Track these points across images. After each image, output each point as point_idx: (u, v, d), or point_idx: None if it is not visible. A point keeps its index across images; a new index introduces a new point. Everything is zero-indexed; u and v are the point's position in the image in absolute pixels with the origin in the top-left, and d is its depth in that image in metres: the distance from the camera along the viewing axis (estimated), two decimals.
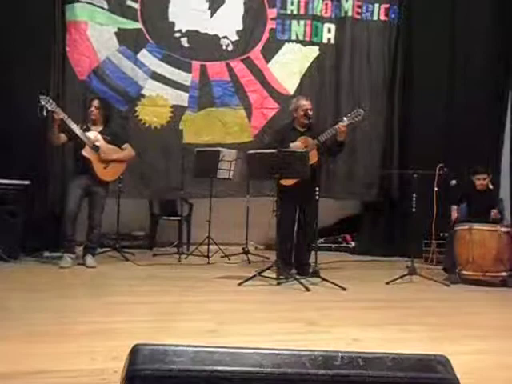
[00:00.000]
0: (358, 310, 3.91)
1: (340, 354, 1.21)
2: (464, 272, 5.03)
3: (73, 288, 4.38)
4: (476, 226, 5.02)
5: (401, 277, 4.91)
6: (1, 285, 4.33)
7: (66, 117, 4.99)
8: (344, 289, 4.44)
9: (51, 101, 4.89)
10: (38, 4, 5.86)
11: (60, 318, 3.33)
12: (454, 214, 5.45)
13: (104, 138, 5.29)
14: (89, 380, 2.28)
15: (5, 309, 3.49)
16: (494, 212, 5.17)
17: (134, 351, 1.11)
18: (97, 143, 5.21)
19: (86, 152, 5.15)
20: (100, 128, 5.36)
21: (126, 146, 5.48)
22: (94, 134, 5.25)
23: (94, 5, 6.34)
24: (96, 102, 5.38)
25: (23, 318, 3.28)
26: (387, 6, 6.92)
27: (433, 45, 6.67)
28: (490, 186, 5.62)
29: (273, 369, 1.12)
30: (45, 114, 4.84)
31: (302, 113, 5.03)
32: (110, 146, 5.32)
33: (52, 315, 3.41)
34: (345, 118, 4.90)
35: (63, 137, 5.13)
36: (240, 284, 4.47)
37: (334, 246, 7.05)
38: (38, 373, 2.35)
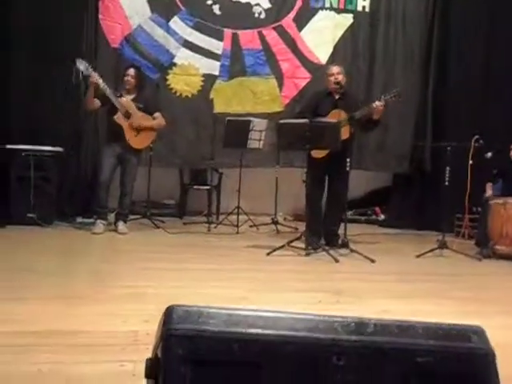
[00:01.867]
0: (386, 282, 3.90)
1: (373, 321, 1.21)
2: (497, 246, 4.95)
3: (105, 253, 4.48)
4: (511, 200, 4.91)
5: (431, 250, 4.86)
6: (36, 249, 4.45)
7: (102, 81, 5.02)
8: (373, 261, 4.42)
9: (87, 65, 4.93)
10: None
11: (93, 282, 3.41)
12: (489, 191, 5.31)
13: (136, 106, 5.31)
14: (122, 341, 2.33)
15: (41, 271, 3.59)
16: None
17: (169, 311, 1.13)
18: (129, 110, 5.23)
19: (119, 118, 5.19)
20: (133, 96, 5.39)
21: (157, 114, 5.49)
22: (126, 101, 5.27)
23: None
24: (132, 71, 5.39)
25: (58, 281, 3.38)
26: None
27: (471, 13, 6.44)
28: None
29: (306, 333, 1.13)
30: (81, 77, 4.86)
31: (330, 78, 4.95)
32: (142, 114, 5.35)
33: (85, 278, 3.49)
34: (382, 97, 4.78)
35: (97, 102, 5.16)
36: (269, 254, 4.49)
37: (363, 218, 7.01)
38: (72, 333, 2.42)
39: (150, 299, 3.06)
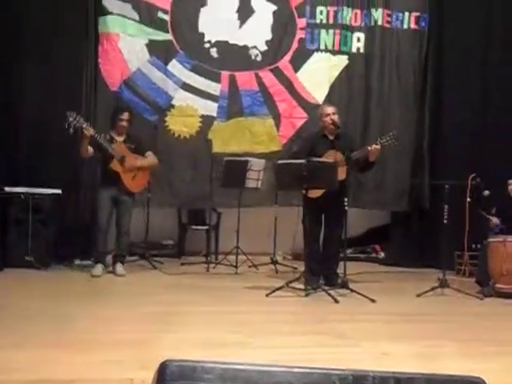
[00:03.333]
0: (387, 323, 3.85)
1: (371, 374, 1.19)
2: (498, 285, 4.90)
3: (103, 297, 4.43)
4: (510, 238, 4.90)
5: (432, 289, 4.81)
6: (33, 293, 4.42)
7: (94, 132, 5.05)
8: (373, 300, 4.38)
9: (78, 117, 4.96)
10: (71, 16, 5.99)
11: (90, 327, 3.37)
12: (494, 220, 5.27)
13: (128, 147, 5.36)
14: None
15: (38, 317, 3.55)
16: None
17: (163, 367, 1.11)
18: (124, 154, 5.27)
19: (115, 165, 5.21)
20: (124, 137, 5.43)
21: (148, 153, 5.53)
22: (119, 146, 5.30)
23: (126, 17, 6.45)
24: (126, 115, 5.43)
25: (56, 326, 3.33)
26: (417, 14, 6.85)
27: (464, 53, 6.56)
28: None
29: None
30: (71, 130, 4.89)
31: (327, 119, 5.00)
32: (135, 156, 5.39)
33: (82, 323, 3.45)
34: (379, 140, 4.83)
35: (91, 150, 5.18)
36: (268, 295, 4.45)
37: (363, 256, 6.97)
38: (68, 382, 2.38)
39: (147, 345, 3.02)
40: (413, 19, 6.88)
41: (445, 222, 4.97)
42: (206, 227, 6.44)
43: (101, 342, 3.07)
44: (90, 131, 5.01)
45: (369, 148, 4.79)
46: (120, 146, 5.32)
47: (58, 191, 5.51)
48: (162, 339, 3.18)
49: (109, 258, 5.44)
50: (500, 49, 6.47)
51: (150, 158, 5.53)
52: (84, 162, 5.54)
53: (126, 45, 6.44)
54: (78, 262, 5.71)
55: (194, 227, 6.63)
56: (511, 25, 6.43)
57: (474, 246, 5.69)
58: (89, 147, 5.13)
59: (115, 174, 5.22)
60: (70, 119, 4.89)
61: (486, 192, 4.95)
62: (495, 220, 5.23)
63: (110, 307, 4.00)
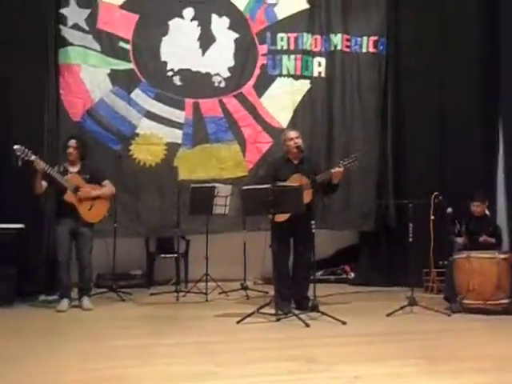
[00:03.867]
0: (358, 344, 3.85)
1: None
2: (465, 301, 4.98)
3: (69, 333, 4.31)
4: (474, 254, 4.99)
5: (401, 308, 4.86)
6: None
7: (46, 166, 4.94)
8: (344, 323, 4.39)
9: (26, 151, 4.83)
10: (31, 48, 5.92)
11: (56, 366, 3.26)
12: (460, 240, 5.35)
13: (83, 178, 5.24)
14: None
15: (1, 359, 3.43)
16: (483, 238, 5.16)
17: None
18: (78, 185, 5.15)
19: (69, 197, 5.10)
20: (77, 167, 5.31)
21: (106, 182, 5.42)
22: (73, 177, 5.18)
23: (87, 47, 6.45)
24: (73, 142, 5.28)
25: (19, 367, 3.22)
26: (375, 38, 7.04)
27: (422, 74, 6.75)
28: (487, 213, 5.62)
29: None
30: (20, 163, 4.78)
31: (290, 143, 5.05)
32: (90, 186, 5.25)
33: (48, 362, 3.35)
34: (341, 163, 4.90)
35: (44, 184, 5.03)
36: (239, 322, 4.41)
37: (333, 277, 6.99)
38: None
39: (115, 380, 2.95)
40: (371, 43, 7.07)
41: (410, 240, 5.05)
42: (174, 255, 6.36)
43: (66, 380, 2.98)
44: (40, 165, 4.89)
45: (332, 171, 4.85)
46: (74, 176, 5.19)
47: (21, 226, 5.38)
48: (130, 374, 3.10)
49: (75, 292, 5.31)
50: (455, 67, 6.69)
51: (107, 187, 5.41)
52: (46, 196, 5.41)
53: (88, 75, 6.42)
54: (42, 297, 5.54)
55: (162, 256, 6.55)
56: (465, 47, 6.66)
57: (440, 262, 5.79)
58: (43, 182, 4.99)
59: (70, 206, 5.11)
60: (18, 153, 4.77)
61: (449, 209, 5.06)
62: (461, 240, 5.32)
63: (76, 343, 3.88)
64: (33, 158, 4.87)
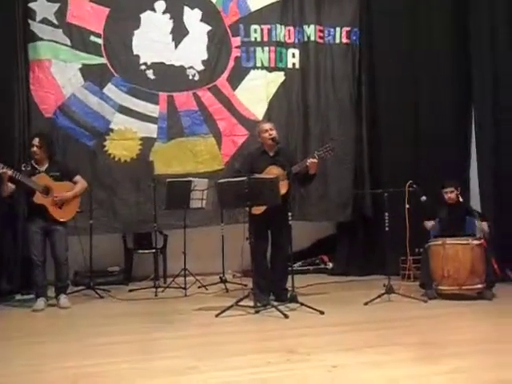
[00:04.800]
0: (336, 334, 3.89)
1: None
2: (440, 287, 5.06)
3: (47, 332, 4.26)
4: (449, 241, 5.07)
5: (378, 296, 4.91)
6: None
7: (12, 171, 4.78)
8: (322, 313, 4.42)
9: None
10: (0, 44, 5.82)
11: (34, 366, 3.22)
12: (430, 223, 5.47)
13: (52, 176, 5.11)
14: None
15: None
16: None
17: None
18: (47, 184, 5.03)
19: (38, 198, 4.98)
20: (45, 166, 5.16)
21: (77, 178, 5.29)
22: (41, 177, 5.04)
23: (57, 42, 6.34)
24: (36, 141, 5.11)
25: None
26: (348, 28, 7.07)
27: (395, 64, 6.80)
28: (460, 199, 5.70)
29: None
30: None
31: (265, 135, 5.04)
32: (60, 183, 5.14)
33: (25, 363, 3.30)
34: (316, 153, 4.90)
35: (11, 186, 4.87)
36: (217, 315, 4.41)
37: (312, 268, 7.04)
38: None
39: (97, 379, 2.93)
40: (344, 34, 7.09)
41: (386, 229, 5.10)
42: (152, 251, 6.34)
43: (47, 380, 2.95)
44: (7, 174, 4.72)
45: (307, 161, 4.86)
46: (42, 177, 5.05)
47: None
48: (109, 371, 3.08)
49: (52, 291, 5.25)
50: (427, 57, 6.75)
51: (79, 184, 5.27)
52: (15, 197, 5.28)
53: (59, 70, 6.32)
54: (19, 297, 5.49)
55: (140, 251, 6.52)
56: (438, 34, 6.73)
57: (416, 250, 5.86)
58: (9, 184, 4.84)
59: (41, 207, 5.00)
60: None
61: (424, 198, 5.11)
62: (431, 223, 5.42)
63: (53, 342, 3.84)
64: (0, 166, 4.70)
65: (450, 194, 5.47)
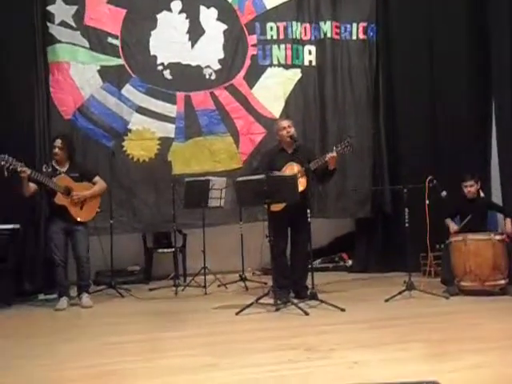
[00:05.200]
0: (357, 331, 3.86)
1: None
2: (462, 283, 5.00)
3: (69, 331, 4.30)
4: (470, 236, 5.00)
5: (399, 293, 4.87)
6: None
7: (30, 170, 4.84)
8: (343, 310, 4.40)
9: (11, 159, 4.70)
10: (19, 47, 5.89)
11: (53, 365, 3.26)
12: (453, 227, 5.37)
13: (72, 177, 5.18)
14: None
15: (1, 357, 3.43)
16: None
17: None
18: (68, 185, 5.10)
19: (59, 199, 5.05)
20: (66, 167, 5.24)
21: (96, 178, 5.37)
22: (62, 178, 5.12)
23: (76, 44, 6.43)
24: (58, 142, 5.20)
25: (20, 367, 3.23)
26: (365, 24, 7.03)
27: (412, 59, 6.75)
28: (482, 195, 5.63)
29: None
30: (6, 174, 4.66)
31: (283, 133, 5.03)
32: (81, 184, 5.21)
33: (48, 361, 3.35)
34: (334, 149, 4.87)
35: (33, 186, 4.96)
36: (237, 313, 4.42)
37: (331, 265, 7.03)
38: None
39: (120, 377, 2.96)
40: (361, 29, 7.06)
41: (406, 225, 5.06)
42: (172, 250, 6.38)
43: (69, 379, 2.98)
44: (26, 172, 4.79)
45: (326, 157, 4.84)
46: (63, 177, 5.13)
47: (17, 226, 5.36)
48: (130, 369, 3.11)
49: (74, 290, 5.31)
50: (446, 50, 6.67)
51: (98, 185, 5.35)
52: (42, 195, 5.38)
53: (78, 72, 6.41)
54: (42, 296, 5.57)
55: (160, 251, 6.57)
56: (456, 30, 6.64)
57: (437, 246, 5.80)
58: (30, 184, 4.93)
59: (61, 207, 5.07)
60: (2, 163, 4.65)
61: (444, 193, 5.05)
62: (453, 227, 5.33)
63: (75, 341, 3.89)
64: (18, 167, 4.76)
65: (470, 188, 5.39)
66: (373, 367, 3.00)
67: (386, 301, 4.77)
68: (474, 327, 3.88)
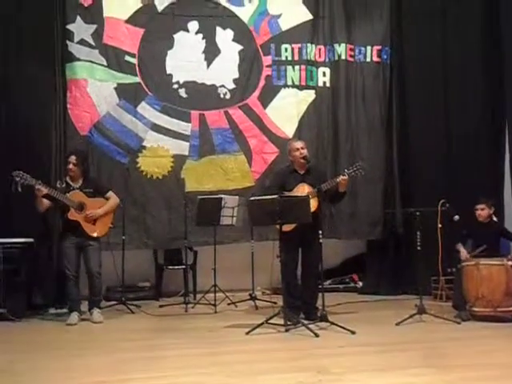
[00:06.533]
0: (368, 354, 3.84)
1: None
2: (474, 308, 4.96)
3: (78, 346, 4.32)
4: (483, 261, 4.97)
5: (410, 316, 4.84)
6: (7, 346, 4.29)
7: (45, 187, 4.90)
8: (353, 332, 4.38)
9: (26, 176, 4.78)
10: (39, 63, 6.00)
11: (66, 379, 3.28)
12: (464, 253, 5.30)
13: (86, 193, 5.23)
14: None
15: (11, 372, 3.45)
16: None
17: None
18: (82, 201, 5.15)
19: (72, 215, 5.10)
20: (80, 183, 5.28)
21: (109, 194, 5.41)
22: (76, 194, 5.17)
23: (94, 62, 6.53)
24: (73, 158, 5.24)
25: (28, 381, 3.24)
26: (379, 47, 7.08)
27: (426, 82, 6.79)
28: (494, 219, 5.61)
29: None
30: (19, 189, 4.73)
31: (296, 154, 5.07)
32: (94, 200, 5.26)
33: (58, 376, 3.36)
34: (346, 171, 4.91)
35: (46, 202, 5.02)
36: (248, 333, 4.41)
37: (341, 286, 7.00)
38: None
39: None
40: (375, 52, 7.11)
41: (418, 248, 5.04)
42: (182, 267, 6.40)
43: None
44: (42, 191, 4.86)
45: (337, 179, 4.87)
46: (76, 193, 5.18)
47: (30, 240, 5.41)
48: None
49: (85, 305, 5.34)
50: (458, 74, 6.71)
51: (111, 200, 5.38)
52: (51, 212, 5.42)
53: (95, 89, 6.50)
54: (53, 310, 5.60)
55: (170, 267, 6.58)
56: (468, 54, 6.69)
57: (449, 270, 5.76)
58: (44, 200, 4.98)
59: (75, 223, 5.12)
60: (17, 179, 4.73)
61: (456, 217, 5.04)
62: (464, 253, 5.29)
63: (86, 356, 3.90)
64: (33, 182, 4.83)
65: (481, 212, 5.38)
66: None
67: (397, 324, 4.74)
68: (488, 354, 3.84)
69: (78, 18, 6.48)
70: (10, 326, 5.00)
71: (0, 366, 3.55)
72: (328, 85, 7.06)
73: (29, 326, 5.12)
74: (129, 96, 6.62)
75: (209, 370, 3.46)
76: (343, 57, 7.06)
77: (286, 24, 7.05)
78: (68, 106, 6.37)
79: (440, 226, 5.14)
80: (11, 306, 5.15)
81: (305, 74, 7.02)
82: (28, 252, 5.39)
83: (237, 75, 6.91)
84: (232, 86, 6.89)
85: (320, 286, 4.84)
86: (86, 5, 6.50)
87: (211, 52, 6.86)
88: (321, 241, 4.71)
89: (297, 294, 4.97)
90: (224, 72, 6.88)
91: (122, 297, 5.79)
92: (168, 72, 6.76)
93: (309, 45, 7.02)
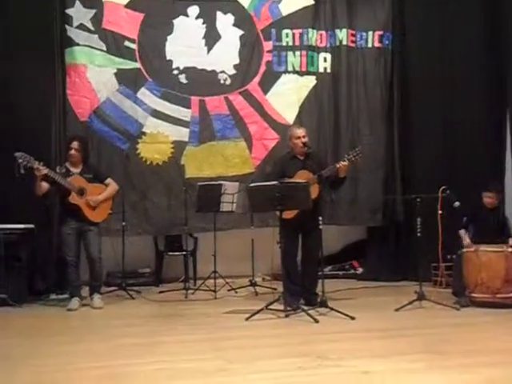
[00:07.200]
0: (367, 340, 3.85)
1: None
2: (474, 295, 4.97)
3: (80, 331, 4.35)
4: (482, 248, 4.98)
5: (410, 303, 4.85)
6: (7, 331, 4.32)
7: (46, 169, 4.90)
8: (353, 318, 4.39)
9: (28, 157, 4.79)
10: (38, 48, 5.96)
11: (68, 364, 3.30)
12: (466, 239, 5.30)
13: (86, 178, 5.23)
14: None
15: (11, 357, 3.47)
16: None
17: None
18: (82, 186, 5.15)
19: (73, 198, 5.09)
20: (79, 168, 5.28)
21: (108, 180, 5.40)
22: (77, 178, 5.17)
23: (93, 47, 6.49)
24: (75, 144, 5.23)
25: (31, 366, 3.26)
26: (381, 32, 7.03)
27: (428, 68, 6.74)
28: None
29: None
30: (22, 171, 4.73)
31: (296, 141, 5.05)
32: (94, 185, 5.25)
33: (60, 361, 3.38)
34: (346, 157, 4.89)
35: (45, 185, 5.00)
36: (247, 319, 4.43)
37: (341, 273, 7.01)
38: None
39: (127, 379, 2.98)
40: (376, 38, 7.06)
41: (418, 234, 5.03)
42: (183, 253, 6.41)
43: (78, 379, 3.01)
44: (41, 171, 4.85)
45: (337, 165, 4.85)
46: (77, 178, 5.18)
47: (31, 226, 5.41)
48: (139, 371, 3.13)
49: (85, 290, 5.35)
50: (460, 60, 6.66)
51: (111, 187, 5.38)
52: (50, 196, 5.41)
53: (94, 75, 6.46)
54: (53, 296, 5.62)
55: (170, 253, 6.60)
56: (470, 39, 6.63)
57: (448, 256, 5.77)
58: (43, 183, 4.98)
59: (75, 207, 5.12)
60: (20, 160, 4.73)
61: (457, 203, 5.02)
62: (466, 239, 5.28)
63: (86, 341, 3.92)
64: (35, 164, 4.83)
65: (489, 199, 5.37)
66: (383, 377, 3.00)
67: (397, 310, 4.76)
68: (486, 340, 3.86)
69: (77, 2, 6.43)
70: (10, 312, 5.03)
71: (6, 352, 3.56)
72: (329, 70, 7.02)
73: (30, 311, 5.14)
74: (129, 82, 6.58)
75: (208, 356, 3.47)
76: (344, 42, 7.01)
77: (286, 9, 6.98)
78: (67, 91, 6.34)
79: (440, 212, 5.14)
80: (12, 291, 5.17)
81: (305, 60, 6.97)
82: (28, 238, 5.40)
83: (237, 61, 6.86)
84: (232, 71, 6.85)
85: (320, 272, 4.85)
86: None
87: (211, 37, 6.81)
88: (321, 227, 4.71)
89: (297, 280, 4.98)
90: (224, 57, 6.83)
91: (122, 282, 5.80)
92: (168, 57, 6.72)
93: (310, 30, 6.97)
